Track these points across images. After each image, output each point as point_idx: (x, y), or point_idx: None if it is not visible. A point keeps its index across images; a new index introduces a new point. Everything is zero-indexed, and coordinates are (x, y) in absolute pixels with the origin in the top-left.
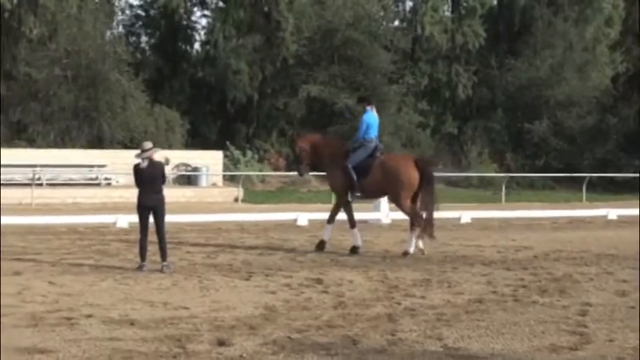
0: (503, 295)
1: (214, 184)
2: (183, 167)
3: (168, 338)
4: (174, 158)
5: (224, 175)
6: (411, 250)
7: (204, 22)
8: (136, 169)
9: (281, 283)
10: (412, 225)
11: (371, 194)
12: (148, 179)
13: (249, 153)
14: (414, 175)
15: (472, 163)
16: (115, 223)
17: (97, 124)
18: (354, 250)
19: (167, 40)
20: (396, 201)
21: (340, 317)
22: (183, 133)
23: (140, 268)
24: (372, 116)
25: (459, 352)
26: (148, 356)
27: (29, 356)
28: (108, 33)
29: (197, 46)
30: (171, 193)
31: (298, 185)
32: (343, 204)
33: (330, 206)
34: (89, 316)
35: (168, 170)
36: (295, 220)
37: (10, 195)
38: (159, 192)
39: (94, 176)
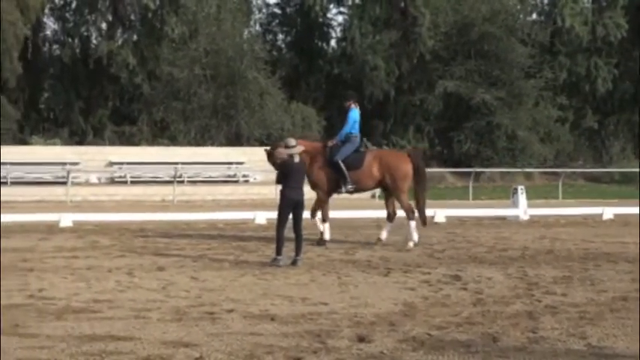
0: None
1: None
2: None
3: (308, 334)
4: None
5: None
6: (415, 240)
7: (340, 19)
8: (287, 164)
9: (419, 279)
10: (408, 218)
11: (364, 187)
12: (296, 174)
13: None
14: (409, 169)
15: (614, 159)
16: (253, 220)
17: (235, 121)
18: (321, 242)
19: (303, 37)
20: (394, 193)
21: (479, 314)
22: (319, 130)
23: (276, 262)
24: (357, 113)
25: (603, 352)
26: (289, 351)
27: (174, 349)
28: (245, 32)
29: (333, 43)
30: (309, 190)
31: (435, 181)
32: (325, 199)
33: (468, 202)
34: (230, 310)
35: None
36: (433, 217)
37: (154, 192)
38: (302, 187)
39: (232, 173)
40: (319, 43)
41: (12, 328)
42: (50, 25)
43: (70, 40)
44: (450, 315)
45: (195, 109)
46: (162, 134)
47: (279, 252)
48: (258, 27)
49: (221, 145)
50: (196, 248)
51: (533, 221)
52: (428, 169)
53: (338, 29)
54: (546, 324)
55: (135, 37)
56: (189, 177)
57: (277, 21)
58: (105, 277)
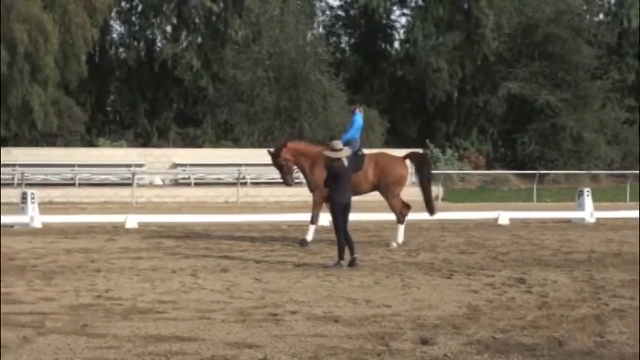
0: None
1: (413, 183)
2: None
3: (371, 336)
4: None
5: None
6: (400, 241)
7: (403, 20)
8: (335, 167)
9: (483, 282)
10: (398, 221)
11: (361, 190)
12: (346, 177)
13: (448, 151)
14: (404, 173)
15: None
16: None
17: (299, 123)
18: (303, 242)
19: (367, 39)
20: (386, 196)
21: (545, 318)
22: (383, 132)
23: (339, 266)
24: (361, 118)
25: None
26: (353, 353)
27: (238, 350)
28: (309, 34)
29: (397, 44)
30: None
31: (499, 183)
32: (321, 202)
33: (532, 204)
34: (294, 312)
35: None
36: (496, 219)
37: (217, 193)
38: (350, 190)
39: (295, 175)
40: (382, 45)
41: (80, 328)
42: (116, 28)
43: (135, 43)
44: (514, 318)
45: (259, 111)
46: (225, 136)
47: (341, 256)
48: (321, 29)
49: None
50: (259, 250)
51: (600, 224)
52: (491, 172)
53: (401, 31)
54: (614, 328)
55: (199, 40)
56: (252, 178)
57: (341, 23)
58: (169, 278)
